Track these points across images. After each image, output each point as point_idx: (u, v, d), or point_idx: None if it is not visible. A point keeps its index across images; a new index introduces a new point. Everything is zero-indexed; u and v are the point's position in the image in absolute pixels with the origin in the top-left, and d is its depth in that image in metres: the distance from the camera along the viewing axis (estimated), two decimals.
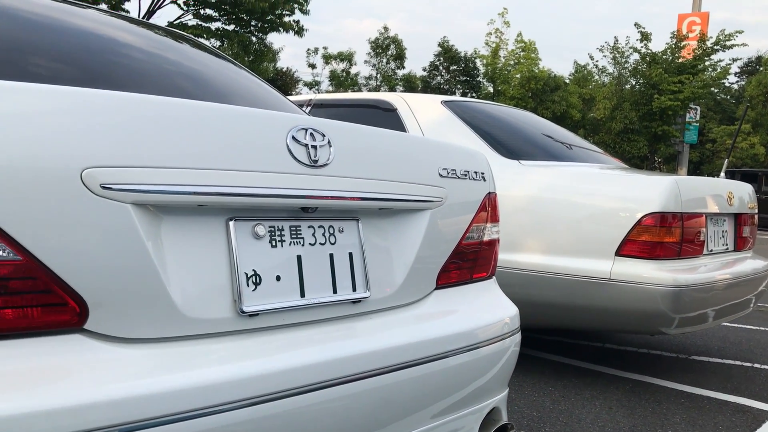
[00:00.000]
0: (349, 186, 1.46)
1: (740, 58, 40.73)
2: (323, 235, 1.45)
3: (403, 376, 1.47)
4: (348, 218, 1.51)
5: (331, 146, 1.42)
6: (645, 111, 23.34)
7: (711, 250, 3.52)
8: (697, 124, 26.36)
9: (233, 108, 1.32)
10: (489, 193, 1.90)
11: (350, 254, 1.50)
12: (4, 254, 1.01)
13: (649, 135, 24.09)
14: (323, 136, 1.41)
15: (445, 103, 4.00)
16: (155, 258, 1.15)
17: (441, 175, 1.72)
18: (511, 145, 3.76)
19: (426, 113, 3.93)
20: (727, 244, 3.72)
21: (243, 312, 1.26)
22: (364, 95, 4.33)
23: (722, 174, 4.20)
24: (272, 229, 1.35)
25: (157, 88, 1.76)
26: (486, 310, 1.84)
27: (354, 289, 1.49)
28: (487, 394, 1.78)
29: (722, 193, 3.59)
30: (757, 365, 4.07)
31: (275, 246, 1.35)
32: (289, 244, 1.38)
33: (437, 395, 1.58)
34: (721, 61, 22.73)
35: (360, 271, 1.51)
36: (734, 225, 3.83)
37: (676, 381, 3.61)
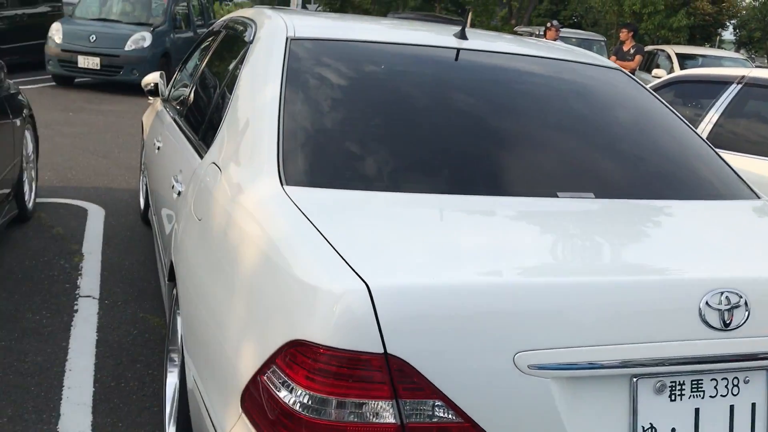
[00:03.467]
0: (761, 346, 1.44)
1: None
2: (726, 387, 1.46)
3: None
4: (755, 368, 1.48)
5: (747, 306, 1.41)
6: None
7: None
8: None
9: (644, 280, 1.41)
10: None
11: (753, 405, 1.48)
12: (449, 416, 1.27)
13: None
14: (739, 297, 1.41)
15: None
16: (565, 419, 1.32)
17: None
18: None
19: None
20: None
21: None
22: None
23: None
24: (673, 384, 1.41)
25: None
26: None
27: None
28: None
29: None
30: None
31: (674, 400, 1.42)
32: (688, 398, 1.43)
33: None
34: None
35: (762, 424, 1.49)
36: None
37: None
